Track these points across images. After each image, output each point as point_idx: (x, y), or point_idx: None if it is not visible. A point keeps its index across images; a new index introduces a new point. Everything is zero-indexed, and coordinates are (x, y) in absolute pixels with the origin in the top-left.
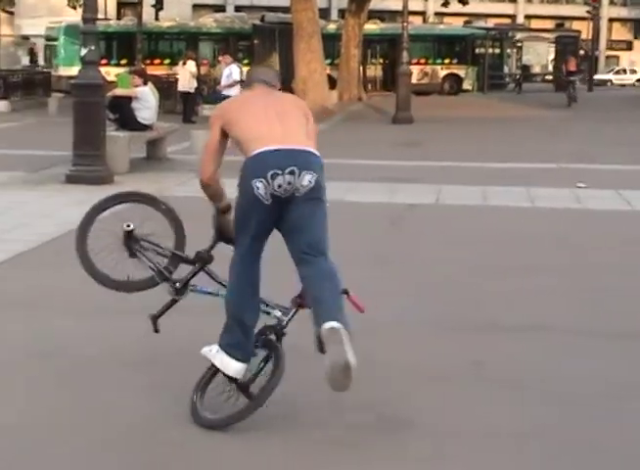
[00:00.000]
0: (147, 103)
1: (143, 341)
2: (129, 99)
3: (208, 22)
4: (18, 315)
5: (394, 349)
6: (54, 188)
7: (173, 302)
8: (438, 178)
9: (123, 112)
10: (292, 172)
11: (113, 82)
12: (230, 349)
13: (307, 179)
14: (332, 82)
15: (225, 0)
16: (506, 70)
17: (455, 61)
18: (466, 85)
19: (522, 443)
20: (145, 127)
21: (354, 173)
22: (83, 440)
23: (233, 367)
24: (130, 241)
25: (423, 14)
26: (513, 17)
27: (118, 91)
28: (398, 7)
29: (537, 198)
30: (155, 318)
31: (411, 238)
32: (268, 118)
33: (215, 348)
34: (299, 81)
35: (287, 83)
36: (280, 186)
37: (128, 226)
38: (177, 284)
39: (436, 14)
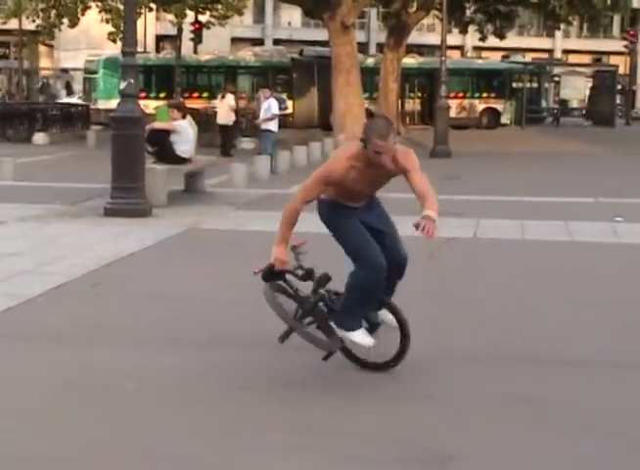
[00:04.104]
0: (185, 136)
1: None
2: (168, 132)
3: (247, 55)
4: (55, 347)
5: (440, 383)
6: (92, 221)
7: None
8: (476, 212)
9: (162, 145)
10: None
11: (151, 115)
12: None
13: None
14: (370, 116)
15: (264, 34)
16: (544, 104)
17: (493, 95)
18: (504, 119)
19: None
20: (183, 160)
21: (392, 207)
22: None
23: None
24: None
25: (461, 48)
26: (550, 51)
27: (157, 124)
28: (436, 41)
29: (575, 232)
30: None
31: (449, 272)
32: None
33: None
34: (338, 115)
35: (325, 117)
36: None
37: None
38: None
39: (474, 48)
